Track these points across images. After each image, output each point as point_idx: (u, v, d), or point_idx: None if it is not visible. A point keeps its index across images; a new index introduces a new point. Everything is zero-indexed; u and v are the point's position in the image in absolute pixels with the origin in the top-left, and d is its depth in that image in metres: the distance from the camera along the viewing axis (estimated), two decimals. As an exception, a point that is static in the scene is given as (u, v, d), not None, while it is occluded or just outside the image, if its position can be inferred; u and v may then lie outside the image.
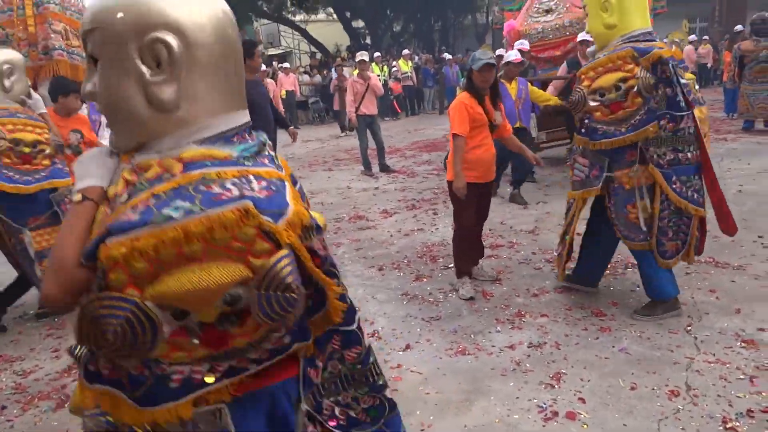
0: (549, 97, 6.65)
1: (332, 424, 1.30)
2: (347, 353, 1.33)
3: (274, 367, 1.18)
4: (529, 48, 7.58)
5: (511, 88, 6.24)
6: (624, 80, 3.27)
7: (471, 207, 4.07)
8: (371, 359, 1.38)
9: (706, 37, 21.40)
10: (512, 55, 6.28)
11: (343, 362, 1.33)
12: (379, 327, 3.74)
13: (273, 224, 1.03)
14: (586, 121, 3.50)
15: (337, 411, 1.32)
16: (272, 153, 1.24)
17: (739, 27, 13.44)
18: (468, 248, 4.24)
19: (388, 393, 1.43)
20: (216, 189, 1.02)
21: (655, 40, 3.38)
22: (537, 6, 8.37)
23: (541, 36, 8.26)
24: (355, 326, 1.34)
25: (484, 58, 3.91)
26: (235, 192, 1.03)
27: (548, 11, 8.19)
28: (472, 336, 3.53)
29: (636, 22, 3.38)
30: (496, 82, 4.06)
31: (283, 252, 1.04)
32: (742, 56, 9.58)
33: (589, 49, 3.81)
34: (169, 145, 1.10)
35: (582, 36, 7.04)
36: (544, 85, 7.24)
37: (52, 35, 5.05)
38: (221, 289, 1.01)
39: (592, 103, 3.40)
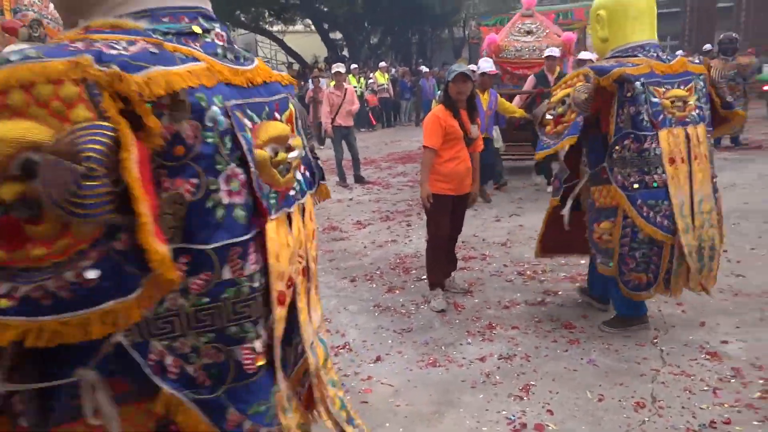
0: (515, 109, 7.08)
1: (157, 376, 0.98)
2: (192, 282, 0.97)
3: None
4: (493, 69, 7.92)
5: (484, 99, 6.41)
6: (569, 96, 3.32)
7: (444, 218, 4.10)
8: (226, 295, 1.01)
9: (679, 52, 21.90)
10: (487, 67, 6.44)
11: (187, 295, 0.97)
12: (351, 339, 3.73)
13: (100, 72, 0.85)
14: (540, 133, 3.57)
15: (169, 360, 0.99)
16: (231, 47, 1.12)
17: (707, 46, 13.83)
18: (441, 260, 4.25)
19: (241, 352, 1.05)
20: (77, 45, 0.90)
21: (641, 56, 3.27)
22: (519, 26, 9.03)
23: (518, 54, 8.89)
24: (211, 246, 0.98)
25: (458, 69, 3.97)
26: (85, 47, 0.89)
27: (529, 32, 8.88)
28: (443, 348, 3.54)
29: (630, 35, 3.33)
30: (472, 95, 4.11)
31: (96, 121, 0.84)
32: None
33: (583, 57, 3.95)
34: (95, 20, 1.02)
35: (548, 51, 7.53)
36: (510, 98, 7.52)
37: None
38: (17, 146, 0.81)
39: (547, 116, 3.44)
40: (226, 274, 1.01)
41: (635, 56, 3.29)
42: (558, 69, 7.57)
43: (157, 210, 0.89)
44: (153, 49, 0.94)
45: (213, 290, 1.00)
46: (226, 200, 0.99)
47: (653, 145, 3.17)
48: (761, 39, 18.37)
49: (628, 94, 3.18)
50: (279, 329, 1.12)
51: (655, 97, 3.19)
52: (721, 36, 10.06)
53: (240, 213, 1.02)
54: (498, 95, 6.82)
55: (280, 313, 1.12)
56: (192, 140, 0.94)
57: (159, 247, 0.86)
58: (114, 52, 0.89)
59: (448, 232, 4.21)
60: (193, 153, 0.95)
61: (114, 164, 0.83)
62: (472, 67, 6.41)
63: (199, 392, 1.02)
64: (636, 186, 3.22)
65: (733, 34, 9.80)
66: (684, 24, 23.35)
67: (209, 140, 0.96)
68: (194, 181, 0.95)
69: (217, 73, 1.01)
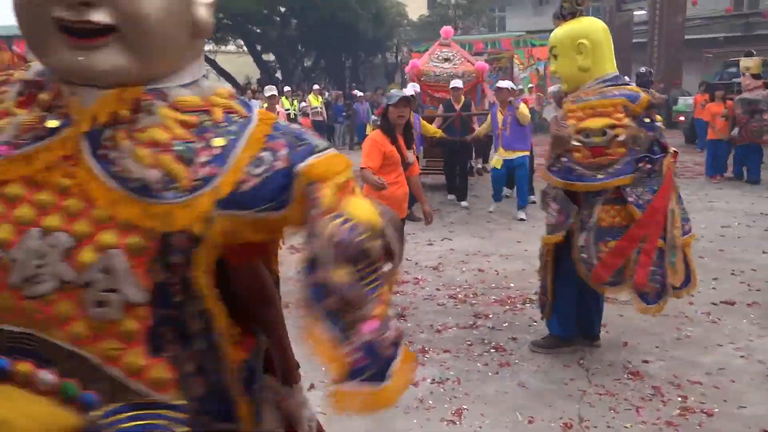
0: (436, 130, 8.04)
1: None
2: None
3: None
4: (419, 90, 9.01)
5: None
6: (611, 127, 3.20)
7: None
8: None
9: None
10: (410, 90, 6.89)
11: None
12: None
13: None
14: (564, 159, 3.35)
15: None
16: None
17: (626, 78, 14.63)
18: None
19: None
20: None
21: (628, 84, 3.41)
22: (438, 53, 9.98)
23: (437, 79, 9.80)
24: None
25: (400, 94, 4.07)
26: None
27: (447, 60, 9.81)
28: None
29: (611, 65, 3.43)
30: (408, 121, 4.19)
31: None
32: None
33: (552, 89, 3.86)
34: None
35: (453, 83, 8.64)
36: (429, 121, 8.39)
37: None
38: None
39: (574, 143, 3.29)
40: None
41: (627, 84, 3.40)
42: (463, 98, 8.67)
43: None
44: None
45: None
46: None
47: (661, 166, 3.25)
48: (671, 74, 19.64)
49: (647, 120, 3.23)
50: None
51: (657, 122, 3.32)
52: (639, 70, 10.67)
53: None
54: (420, 118, 7.56)
55: None
56: None
57: None
58: None
59: None
60: None
61: None
62: (407, 91, 6.59)
63: None
64: (647, 203, 3.25)
65: (643, 69, 10.47)
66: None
67: None
68: None
69: None
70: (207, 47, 22.40)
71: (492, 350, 3.77)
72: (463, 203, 8.40)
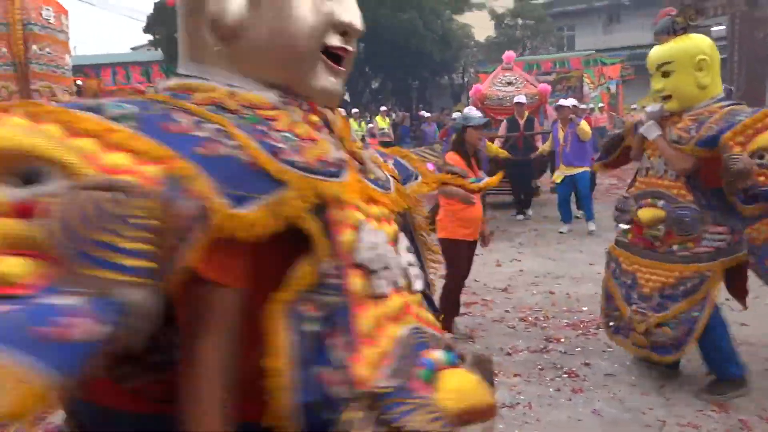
0: (500, 150, 8.19)
1: None
2: None
3: None
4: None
5: None
6: None
7: (464, 263, 4.26)
8: None
9: None
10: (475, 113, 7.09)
11: None
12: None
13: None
14: (751, 188, 2.97)
15: None
16: None
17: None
18: (455, 305, 4.33)
19: None
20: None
21: (740, 103, 3.30)
22: (501, 78, 10.28)
23: (499, 102, 10.05)
24: None
25: (478, 115, 4.13)
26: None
27: (509, 83, 10.08)
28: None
29: (720, 85, 3.36)
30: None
31: None
32: None
33: (651, 108, 3.53)
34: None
35: (516, 98, 8.90)
36: (491, 141, 8.58)
37: None
38: None
39: (754, 167, 2.93)
40: None
41: (740, 104, 3.27)
42: (526, 113, 8.88)
43: None
44: None
45: None
46: None
47: None
48: (754, 91, 18.76)
49: None
50: None
51: None
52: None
53: None
54: (486, 140, 7.72)
55: None
56: None
57: None
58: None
59: (466, 277, 4.35)
60: None
61: None
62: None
63: None
64: None
65: (729, 87, 10.07)
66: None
67: None
68: None
69: None
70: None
71: (564, 375, 3.66)
72: (529, 212, 8.84)
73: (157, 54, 24.01)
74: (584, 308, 4.86)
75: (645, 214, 3.39)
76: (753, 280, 5.27)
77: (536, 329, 4.48)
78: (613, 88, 16.42)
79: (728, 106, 3.20)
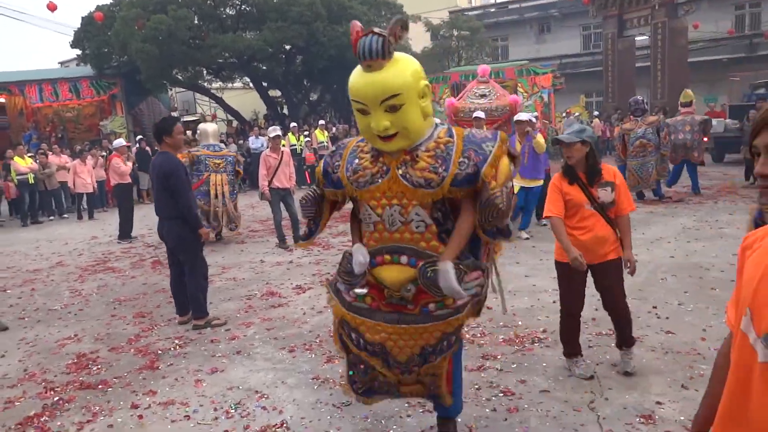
0: None
1: None
2: None
3: None
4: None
5: None
6: None
7: (570, 287, 3.89)
8: None
9: (596, 112, 23.64)
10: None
11: None
12: (288, 416, 3.60)
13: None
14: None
15: None
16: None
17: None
18: (573, 329, 3.96)
19: None
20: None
21: None
22: (475, 90, 10.38)
23: (471, 115, 10.02)
24: None
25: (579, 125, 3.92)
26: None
27: (483, 96, 10.14)
28: (383, 422, 3.46)
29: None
30: (596, 158, 3.81)
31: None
32: (623, 134, 10.52)
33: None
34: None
35: (476, 114, 9.11)
36: None
37: None
38: None
39: None
40: None
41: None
42: (485, 128, 9.00)
43: None
44: None
45: None
46: None
47: None
48: (677, 97, 19.65)
49: None
50: None
51: None
52: (630, 99, 10.91)
53: None
54: None
55: None
56: None
57: None
58: None
59: (577, 302, 3.92)
60: None
61: None
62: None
63: None
64: None
65: (639, 98, 10.69)
66: (607, 82, 24.75)
67: None
68: None
69: None
70: (214, 85, 22.93)
71: (500, 394, 3.69)
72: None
73: (86, 69, 23.17)
74: (519, 322, 4.93)
75: None
76: (682, 288, 5.50)
77: (473, 347, 4.50)
78: (545, 97, 16.86)
79: (446, 128, 2.89)
